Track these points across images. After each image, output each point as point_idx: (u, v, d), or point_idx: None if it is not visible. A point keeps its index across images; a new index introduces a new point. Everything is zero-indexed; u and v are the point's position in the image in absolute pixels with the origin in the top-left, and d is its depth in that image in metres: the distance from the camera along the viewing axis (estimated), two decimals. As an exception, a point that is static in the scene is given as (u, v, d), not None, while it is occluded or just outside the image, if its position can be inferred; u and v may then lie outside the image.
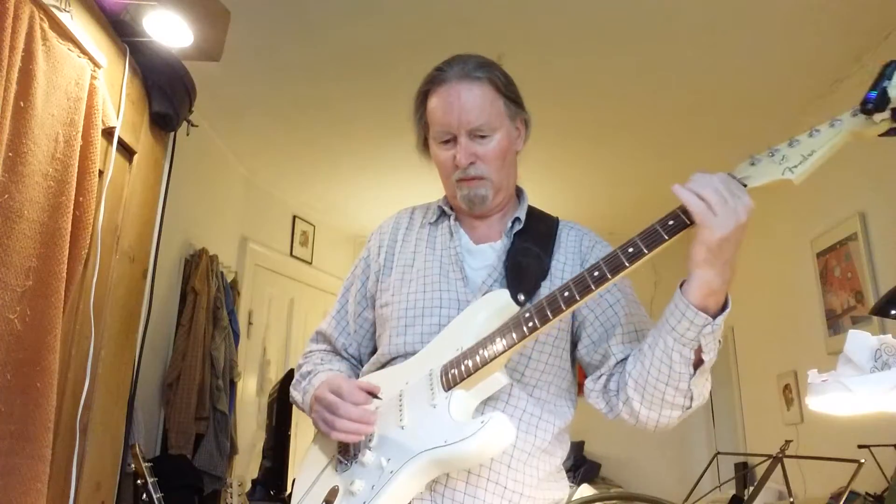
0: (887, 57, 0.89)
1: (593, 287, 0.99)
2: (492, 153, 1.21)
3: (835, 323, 2.95)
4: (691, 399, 1.07)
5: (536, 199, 1.36)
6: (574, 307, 1.02)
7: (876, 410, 1.38)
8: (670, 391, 1.05)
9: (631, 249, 0.98)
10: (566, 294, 1.01)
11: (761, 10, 2.51)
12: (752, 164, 0.97)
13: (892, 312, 1.89)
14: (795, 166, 0.93)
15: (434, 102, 1.23)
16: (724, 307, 0.99)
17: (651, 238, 0.97)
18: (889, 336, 1.41)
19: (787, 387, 3.37)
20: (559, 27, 2.66)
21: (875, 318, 2.54)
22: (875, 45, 2.67)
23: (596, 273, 1.00)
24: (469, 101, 1.19)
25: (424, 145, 1.31)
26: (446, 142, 1.22)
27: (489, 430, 0.99)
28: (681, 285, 1.00)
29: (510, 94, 1.25)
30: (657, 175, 4.00)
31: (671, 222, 0.96)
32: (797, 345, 3.32)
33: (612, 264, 0.99)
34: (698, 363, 1.03)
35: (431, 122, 1.24)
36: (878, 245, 2.70)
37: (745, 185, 0.95)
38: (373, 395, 1.14)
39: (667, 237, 0.96)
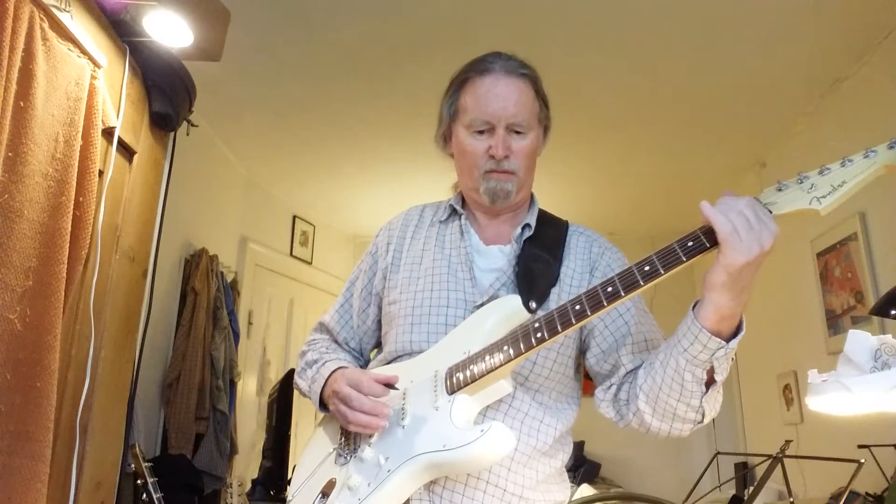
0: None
1: (605, 303, 0.98)
2: (524, 150, 1.22)
3: (835, 323, 2.95)
4: (703, 414, 1.07)
5: (537, 198, 1.36)
6: (584, 322, 1.01)
7: (876, 410, 1.38)
8: (682, 407, 1.05)
9: (647, 268, 0.96)
10: (577, 308, 1.01)
11: (761, 9, 2.51)
12: (780, 189, 0.94)
13: (892, 312, 1.89)
14: (824, 196, 0.90)
15: (475, 90, 1.23)
16: (737, 330, 0.99)
17: (669, 258, 0.95)
18: (889, 336, 1.40)
19: (787, 387, 3.37)
20: (559, 28, 2.66)
21: (875, 318, 2.54)
22: (875, 45, 2.66)
23: (609, 289, 0.98)
24: (514, 94, 1.21)
25: (444, 135, 1.31)
26: (481, 132, 1.22)
27: (488, 439, 0.99)
28: (693, 306, 0.99)
29: (543, 97, 1.27)
30: (657, 175, 4.00)
31: (690, 244, 0.95)
32: (797, 345, 3.32)
33: (627, 281, 0.97)
34: (710, 381, 1.03)
35: (467, 109, 1.23)
36: (878, 245, 2.70)
37: (770, 212, 0.93)
38: (390, 385, 1.14)
39: (685, 259, 0.94)
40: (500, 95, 1.20)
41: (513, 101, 1.20)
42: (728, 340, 0.98)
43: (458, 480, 1.08)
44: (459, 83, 1.27)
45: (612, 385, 1.18)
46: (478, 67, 1.24)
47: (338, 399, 1.14)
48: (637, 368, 1.15)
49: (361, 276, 1.38)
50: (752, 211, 0.91)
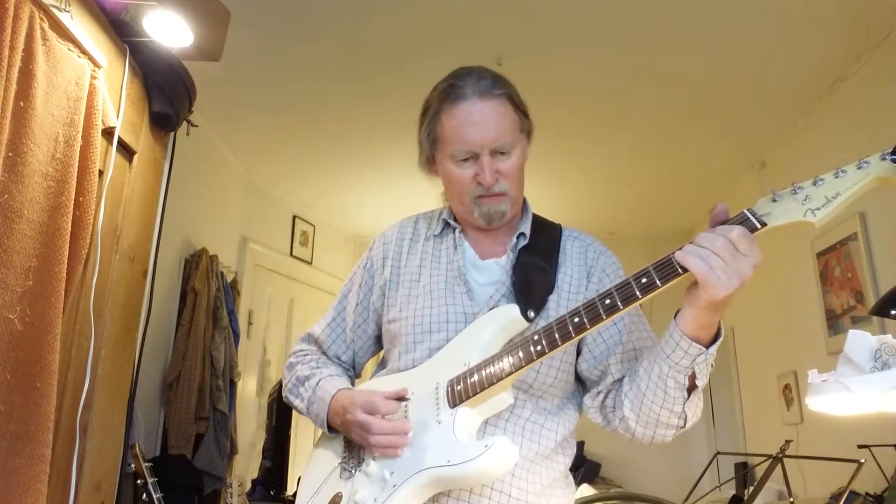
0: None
1: (604, 316, 0.99)
2: (512, 169, 1.21)
3: (835, 323, 2.94)
4: (685, 420, 1.09)
5: (535, 199, 1.36)
6: (583, 335, 1.02)
7: (876, 410, 1.38)
8: (665, 413, 1.07)
9: (644, 280, 0.96)
10: (576, 320, 1.01)
11: (761, 9, 2.51)
12: (774, 200, 0.94)
13: (892, 312, 1.89)
14: (818, 208, 0.89)
15: (452, 120, 1.19)
16: (717, 335, 1.01)
17: (665, 270, 0.95)
18: (889, 336, 1.40)
19: (787, 387, 3.37)
20: (558, 27, 2.66)
21: (875, 318, 2.54)
22: (875, 45, 2.66)
23: (608, 301, 0.99)
24: (492, 119, 1.18)
25: (427, 160, 1.29)
26: (465, 160, 1.20)
27: (492, 455, 1.00)
28: (675, 314, 1.01)
29: (521, 108, 1.25)
30: (657, 175, 4.00)
31: None
32: (797, 345, 3.32)
33: (624, 294, 0.98)
34: (692, 387, 1.05)
35: (447, 139, 1.20)
36: (878, 245, 2.70)
37: (765, 224, 0.92)
38: (401, 398, 1.14)
39: (681, 271, 0.94)
40: (477, 123, 1.17)
41: (492, 126, 1.17)
42: (708, 346, 1.00)
43: (463, 489, 1.09)
44: (434, 113, 1.23)
45: (599, 392, 1.19)
46: (450, 96, 1.20)
47: (356, 427, 1.14)
48: (624, 378, 1.16)
49: (356, 290, 1.36)
50: (730, 249, 0.91)
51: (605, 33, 2.70)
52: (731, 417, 4.22)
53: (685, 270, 0.94)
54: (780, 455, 2.12)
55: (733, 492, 3.25)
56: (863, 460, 1.96)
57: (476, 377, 1.07)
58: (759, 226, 0.92)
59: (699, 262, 0.91)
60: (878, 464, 2.14)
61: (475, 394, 1.06)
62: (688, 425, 1.10)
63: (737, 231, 0.91)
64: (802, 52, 2.75)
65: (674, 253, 0.94)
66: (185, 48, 1.88)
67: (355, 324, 1.35)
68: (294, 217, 4.56)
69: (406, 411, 1.14)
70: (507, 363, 1.05)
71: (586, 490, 2.80)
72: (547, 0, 2.50)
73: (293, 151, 3.85)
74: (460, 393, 1.08)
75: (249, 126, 3.55)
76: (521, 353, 1.05)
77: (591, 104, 3.22)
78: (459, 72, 1.23)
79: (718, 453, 2.83)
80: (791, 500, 2.13)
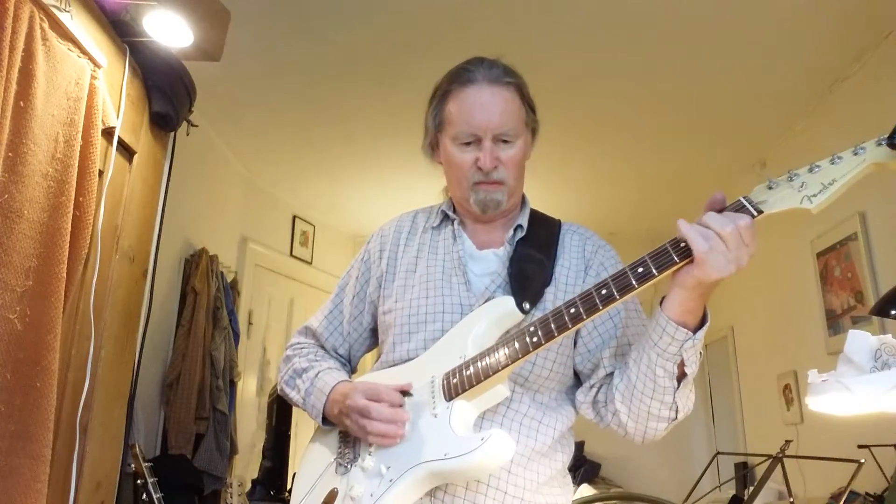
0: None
1: (601, 306, 0.99)
2: (513, 159, 1.21)
3: (835, 323, 2.95)
4: (676, 411, 1.08)
5: (536, 199, 1.35)
6: (579, 325, 1.02)
7: (876, 410, 1.38)
8: (655, 404, 1.06)
9: (641, 269, 0.97)
10: (572, 311, 1.01)
11: (761, 10, 2.51)
12: (770, 187, 0.94)
13: (892, 312, 1.89)
14: (815, 195, 0.90)
15: (460, 102, 1.20)
16: (703, 321, 1.01)
17: (661, 259, 0.96)
18: (889, 336, 1.41)
19: (787, 387, 3.37)
20: (558, 27, 2.66)
21: (875, 318, 2.54)
22: (875, 45, 2.67)
23: (604, 291, 0.99)
24: (499, 105, 1.19)
25: (431, 144, 1.30)
26: (467, 143, 1.20)
27: (489, 447, 1.00)
28: (661, 301, 1.01)
29: (529, 102, 1.25)
30: (657, 175, 4.00)
31: (683, 244, 0.95)
32: (797, 345, 3.32)
33: (621, 284, 0.98)
34: (681, 376, 1.04)
35: (452, 121, 1.21)
36: (878, 245, 2.70)
37: (761, 212, 0.93)
38: (405, 392, 1.13)
39: (678, 260, 0.94)
40: (484, 106, 1.18)
41: (498, 112, 1.18)
42: (695, 332, 1.00)
43: (459, 484, 1.09)
44: (442, 94, 1.25)
45: (592, 386, 1.18)
46: (460, 78, 1.21)
47: (355, 413, 1.12)
48: (615, 370, 1.15)
49: (352, 283, 1.36)
50: (737, 237, 0.91)
51: (606, 33, 2.70)
52: (731, 417, 4.21)
53: (681, 259, 0.94)
54: (780, 455, 2.12)
55: (733, 492, 3.25)
56: (863, 460, 1.96)
57: (472, 370, 1.07)
58: (755, 213, 0.93)
59: (701, 240, 0.92)
60: (878, 464, 2.14)
61: (471, 386, 1.06)
62: (679, 417, 1.09)
63: (746, 222, 0.92)
64: (802, 52, 2.75)
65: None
66: (185, 48, 1.88)
67: (351, 316, 1.34)
68: (294, 217, 4.56)
69: (402, 406, 1.13)
70: (502, 355, 1.05)
71: (586, 490, 2.80)
72: (547, 0, 2.51)
73: (293, 151, 3.85)
74: (456, 386, 1.08)
75: (249, 126, 3.55)
76: (516, 345, 1.04)
77: (592, 104, 3.22)
78: (472, 59, 1.24)
79: (718, 453, 2.83)
80: (791, 500, 2.14)
